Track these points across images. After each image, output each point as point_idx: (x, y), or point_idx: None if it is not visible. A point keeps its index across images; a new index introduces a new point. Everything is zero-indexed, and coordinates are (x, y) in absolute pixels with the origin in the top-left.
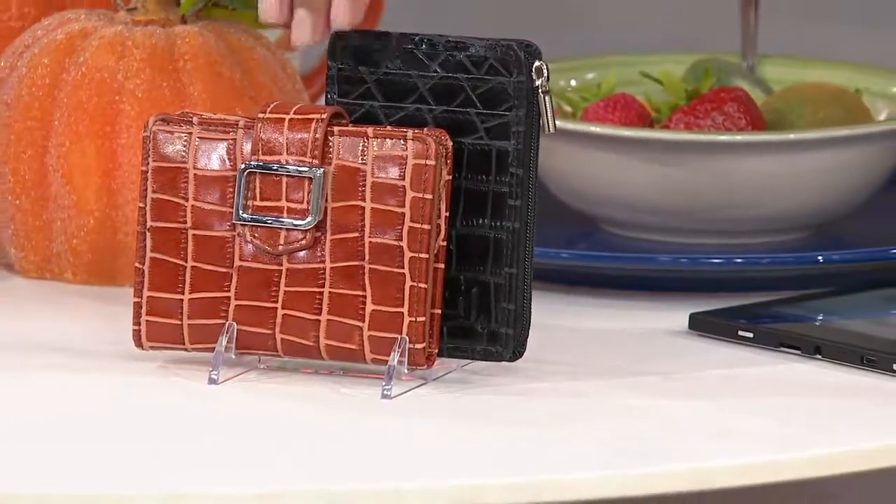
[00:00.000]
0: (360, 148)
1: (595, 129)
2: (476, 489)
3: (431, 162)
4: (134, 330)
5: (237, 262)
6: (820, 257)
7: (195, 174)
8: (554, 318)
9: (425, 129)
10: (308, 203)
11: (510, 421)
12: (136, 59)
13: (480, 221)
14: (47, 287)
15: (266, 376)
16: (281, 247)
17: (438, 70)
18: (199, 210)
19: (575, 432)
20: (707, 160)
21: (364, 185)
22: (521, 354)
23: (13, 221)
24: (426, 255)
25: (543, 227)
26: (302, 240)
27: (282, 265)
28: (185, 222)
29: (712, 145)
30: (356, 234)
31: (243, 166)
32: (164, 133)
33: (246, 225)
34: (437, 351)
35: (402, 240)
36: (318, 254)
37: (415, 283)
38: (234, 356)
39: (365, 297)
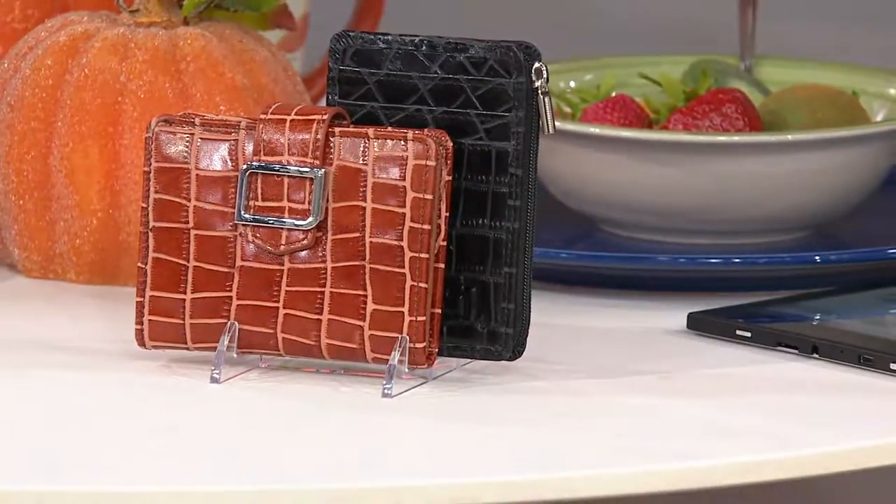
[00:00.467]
0: (361, 149)
1: (594, 129)
2: (475, 488)
3: (432, 163)
4: (136, 329)
5: (239, 262)
6: (817, 257)
7: (197, 174)
8: (553, 317)
9: (426, 130)
10: (309, 203)
11: (510, 420)
12: (139, 60)
13: (480, 221)
14: (50, 287)
15: (267, 375)
16: (282, 247)
17: (438, 71)
18: (201, 210)
19: (574, 431)
20: (705, 161)
21: (365, 186)
22: (520, 354)
23: (16, 221)
24: (426, 255)
25: (543, 228)
26: (303, 240)
27: (283, 265)
28: (187, 222)
29: (710, 146)
30: (357, 235)
31: (245, 167)
32: (167, 134)
33: (248, 225)
34: (437, 350)
35: (402, 240)
36: (320, 254)
37: (415, 283)
38: (235, 355)
39: (366, 296)
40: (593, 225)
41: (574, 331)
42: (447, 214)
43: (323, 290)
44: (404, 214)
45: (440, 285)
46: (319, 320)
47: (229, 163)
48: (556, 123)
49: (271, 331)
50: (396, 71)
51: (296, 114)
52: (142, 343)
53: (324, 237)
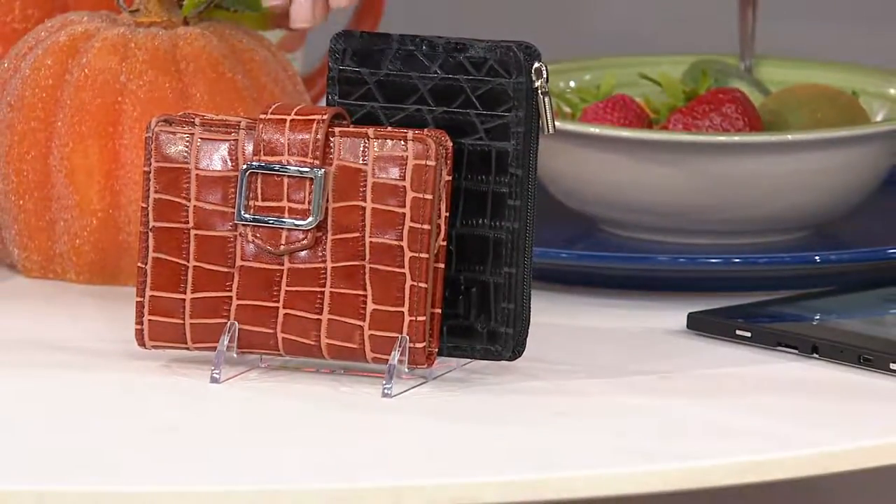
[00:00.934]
0: (361, 148)
1: (594, 129)
2: (475, 488)
3: (432, 162)
4: (136, 329)
5: (239, 262)
6: (817, 257)
7: (197, 174)
8: (553, 317)
9: (425, 130)
10: (309, 203)
11: (510, 420)
12: (139, 60)
13: (480, 221)
14: (50, 287)
15: (267, 375)
16: (282, 247)
17: (438, 71)
18: (201, 210)
19: (574, 431)
20: (705, 161)
21: (365, 186)
22: (520, 353)
23: (16, 221)
24: (426, 255)
25: (542, 227)
26: (303, 240)
27: (283, 265)
28: (187, 222)
29: (710, 146)
30: (357, 234)
31: (245, 167)
32: (167, 134)
33: (247, 225)
34: (437, 350)
35: (402, 240)
36: (319, 254)
37: (415, 283)
38: (235, 355)
39: (366, 296)
40: (593, 225)
41: (574, 331)
42: (447, 214)
43: (323, 290)
44: (404, 214)
45: (440, 285)
46: (319, 320)
47: (229, 163)
48: (556, 123)
49: (271, 331)
50: (396, 71)
51: (296, 114)
52: (142, 343)
53: (324, 237)
